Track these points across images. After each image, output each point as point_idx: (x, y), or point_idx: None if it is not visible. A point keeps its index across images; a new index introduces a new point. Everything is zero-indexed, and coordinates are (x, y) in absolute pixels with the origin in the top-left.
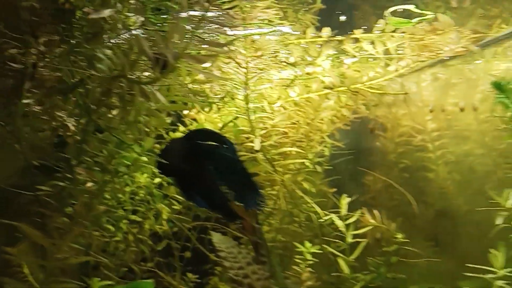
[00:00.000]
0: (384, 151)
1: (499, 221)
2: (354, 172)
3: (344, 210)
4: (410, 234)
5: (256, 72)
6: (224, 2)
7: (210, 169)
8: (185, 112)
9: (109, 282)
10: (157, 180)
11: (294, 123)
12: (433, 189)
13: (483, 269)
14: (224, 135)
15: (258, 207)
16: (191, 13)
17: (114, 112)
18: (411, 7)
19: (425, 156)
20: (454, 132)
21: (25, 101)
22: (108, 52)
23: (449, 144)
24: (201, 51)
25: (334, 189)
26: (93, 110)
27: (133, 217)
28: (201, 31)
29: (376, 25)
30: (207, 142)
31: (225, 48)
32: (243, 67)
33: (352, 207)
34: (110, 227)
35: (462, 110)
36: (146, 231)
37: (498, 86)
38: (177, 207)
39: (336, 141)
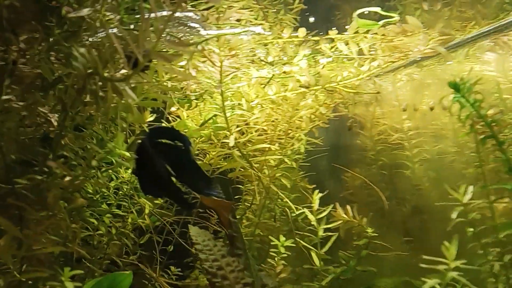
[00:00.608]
0: (362, 148)
1: (454, 215)
2: (334, 169)
3: (316, 205)
4: (385, 230)
5: (230, 71)
6: (201, 3)
7: (165, 164)
8: (172, 109)
9: (80, 271)
10: None
11: (273, 121)
12: (410, 186)
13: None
14: (181, 132)
15: (214, 195)
16: (164, 13)
17: (92, 108)
18: (377, 9)
19: (402, 154)
20: (430, 131)
21: (5, 97)
22: (83, 50)
23: (425, 142)
24: (170, 50)
25: (313, 186)
26: (70, 106)
27: (117, 211)
28: (174, 30)
29: (349, 26)
30: (164, 140)
31: (192, 48)
32: (217, 66)
33: (330, 203)
34: (94, 220)
35: (432, 109)
36: (129, 225)
37: (455, 86)
38: (159, 201)
39: (315, 139)
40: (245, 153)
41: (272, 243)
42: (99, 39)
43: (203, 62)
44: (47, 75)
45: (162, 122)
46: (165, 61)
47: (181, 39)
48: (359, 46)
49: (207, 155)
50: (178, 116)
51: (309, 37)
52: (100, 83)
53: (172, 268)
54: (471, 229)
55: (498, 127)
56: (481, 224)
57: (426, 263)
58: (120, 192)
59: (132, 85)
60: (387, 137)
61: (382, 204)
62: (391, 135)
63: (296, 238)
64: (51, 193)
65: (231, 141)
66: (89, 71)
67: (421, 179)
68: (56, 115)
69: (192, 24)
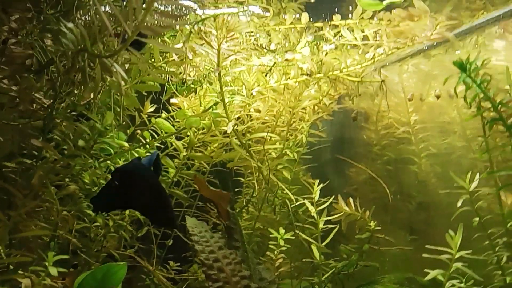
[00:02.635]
0: (367, 143)
1: (459, 203)
2: (337, 164)
3: (316, 196)
4: (389, 226)
5: (229, 54)
6: None
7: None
8: (173, 100)
9: (65, 256)
10: None
11: (274, 111)
12: (415, 181)
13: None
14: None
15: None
16: None
17: (82, 88)
18: None
19: (408, 148)
20: (437, 124)
21: None
22: (71, 25)
23: (432, 136)
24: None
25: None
26: (60, 85)
27: None
28: (169, 7)
29: (354, 11)
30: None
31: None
32: (215, 48)
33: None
34: (90, 212)
35: (438, 97)
36: (126, 218)
37: (461, 66)
38: None
39: (319, 132)
40: (244, 142)
41: (271, 235)
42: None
43: (201, 44)
44: (39, 55)
45: (161, 112)
46: (154, 33)
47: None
48: (363, 32)
49: (208, 147)
50: (179, 108)
51: (313, 23)
52: (89, 61)
53: (171, 263)
54: (477, 219)
55: (505, 111)
56: (487, 214)
57: (429, 253)
58: None
59: (126, 67)
60: (393, 131)
61: (387, 200)
62: (397, 128)
63: (296, 231)
64: (36, 173)
65: (229, 128)
66: (78, 48)
67: (428, 175)
68: (44, 97)
69: (187, 3)
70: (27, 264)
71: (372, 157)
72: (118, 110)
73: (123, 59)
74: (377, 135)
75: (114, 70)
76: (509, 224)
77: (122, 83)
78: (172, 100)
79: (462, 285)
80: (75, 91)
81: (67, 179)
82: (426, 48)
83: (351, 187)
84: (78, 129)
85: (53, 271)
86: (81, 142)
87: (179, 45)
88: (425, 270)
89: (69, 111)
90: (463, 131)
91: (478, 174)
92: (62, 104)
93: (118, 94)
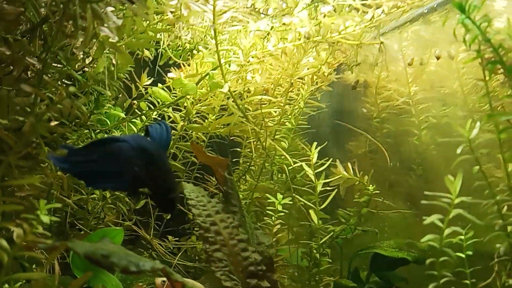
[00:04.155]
0: (367, 116)
1: (458, 150)
2: (337, 137)
3: (314, 158)
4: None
5: (225, 11)
6: None
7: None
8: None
9: (57, 205)
10: None
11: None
12: (416, 154)
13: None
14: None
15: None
16: None
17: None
18: None
19: (408, 120)
20: (438, 95)
21: None
22: None
23: (432, 107)
24: None
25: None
26: (52, 38)
27: None
28: None
29: None
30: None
31: None
32: (210, 4)
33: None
34: None
35: (438, 58)
36: None
37: (459, 6)
38: None
39: (318, 102)
40: (241, 106)
41: (269, 201)
42: None
43: (196, 0)
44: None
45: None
46: None
47: None
48: None
49: (206, 119)
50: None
51: None
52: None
53: (170, 237)
54: (477, 167)
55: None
56: (488, 162)
57: (428, 199)
58: None
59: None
60: (393, 103)
61: (387, 173)
62: (396, 100)
63: (294, 195)
64: (28, 122)
65: (225, 88)
66: None
67: (428, 147)
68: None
69: None
70: (19, 213)
71: (371, 130)
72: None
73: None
74: (376, 107)
75: (106, 19)
76: (510, 168)
77: (116, 37)
78: (170, 75)
79: (462, 230)
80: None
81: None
82: (426, 11)
83: (351, 161)
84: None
85: (45, 219)
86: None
87: (174, 1)
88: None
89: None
90: (465, 101)
91: (478, 122)
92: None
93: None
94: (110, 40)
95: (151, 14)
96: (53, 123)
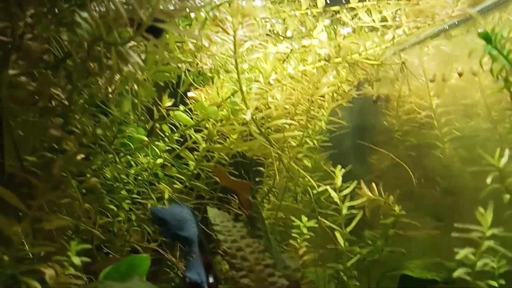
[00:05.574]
0: (388, 129)
1: (489, 180)
2: (359, 152)
3: (339, 182)
4: (415, 212)
5: (245, 40)
6: None
7: None
8: (191, 94)
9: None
10: (159, 160)
11: (292, 99)
12: (440, 167)
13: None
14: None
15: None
16: None
17: (100, 80)
18: None
19: (431, 133)
20: (460, 107)
21: (11, 72)
22: (85, 15)
23: (455, 120)
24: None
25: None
26: (77, 77)
27: (136, 197)
28: None
29: None
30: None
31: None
32: (231, 35)
33: (356, 187)
34: (113, 207)
35: (460, 75)
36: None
37: (485, 36)
38: (178, 186)
39: (339, 120)
40: (263, 130)
41: (294, 223)
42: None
43: (216, 32)
44: (55, 50)
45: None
46: (167, 17)
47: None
48: (381, 13)
49: (227, 139)
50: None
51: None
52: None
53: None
54: (508, 196)
55: None
56: None
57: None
58: (140, 178)
59: (143, 57)
60: (415, 116)
61: (411, 187)
62: (418, 113)
63: (319, 217)
64: (56, 164)
65: (248, 115)
66: (94, 37)
67: (452, 159)
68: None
69: None
70: (50, 255)
71: (393, 143)
72: (136, 101)
73: (139, 49)
74: (398, 121)
75: (130, 59)
76: None
77: (139, 72)
78: (190, 94)
79: (494, 264)
80: (92, 85)
81: (88, 175)
82: (447, 27)
83: (374, 175)
84: (98, 124)
85: (76, 260)
86: (99, 131)
87: (195, 33)
88: (455, 249)
89: (87, 105)
90: (488, 113)
91: (507, 150)
92: (81, 101)
93: (135, 85)
94: (133, 75)
95: (172, 46)
96: (79, 157)
